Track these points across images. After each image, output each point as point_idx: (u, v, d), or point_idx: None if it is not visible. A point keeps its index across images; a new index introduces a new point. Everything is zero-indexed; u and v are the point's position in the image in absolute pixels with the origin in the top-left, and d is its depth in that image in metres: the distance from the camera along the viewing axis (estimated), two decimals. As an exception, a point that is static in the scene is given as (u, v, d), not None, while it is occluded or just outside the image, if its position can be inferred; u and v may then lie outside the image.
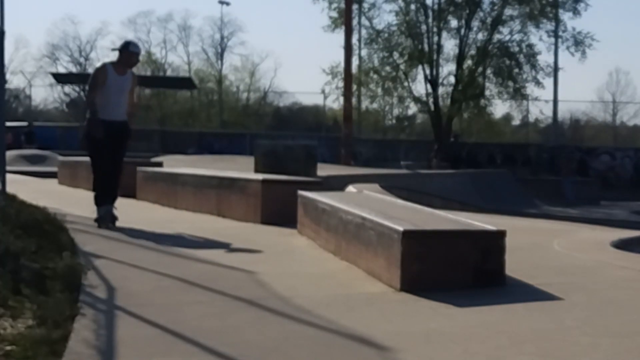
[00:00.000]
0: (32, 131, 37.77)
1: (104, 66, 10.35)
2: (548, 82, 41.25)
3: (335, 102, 43.41)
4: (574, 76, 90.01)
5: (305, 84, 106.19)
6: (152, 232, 9.89)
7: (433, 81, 39.82)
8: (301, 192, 9.94)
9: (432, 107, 40.03)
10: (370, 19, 40.42)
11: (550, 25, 40.00)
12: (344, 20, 34.65)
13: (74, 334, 4.95)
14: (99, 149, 10.14)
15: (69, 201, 14.11)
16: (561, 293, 6.34)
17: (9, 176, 10.08)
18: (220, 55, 66.08)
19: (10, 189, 10.11)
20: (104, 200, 10.27)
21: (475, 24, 39.81)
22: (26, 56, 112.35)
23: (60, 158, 22.54)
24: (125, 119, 10.34)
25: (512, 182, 30.27)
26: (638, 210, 27.61)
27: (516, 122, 52.43)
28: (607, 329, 5.32)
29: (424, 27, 39.84)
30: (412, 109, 43.77)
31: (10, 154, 23.46)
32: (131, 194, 15.12)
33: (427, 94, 40.40)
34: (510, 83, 39.88)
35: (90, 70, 62.11)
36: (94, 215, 10.38)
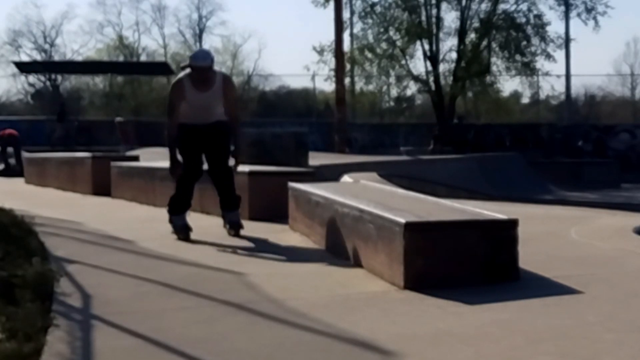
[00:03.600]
0: None
1: (180, 82, 9.30)
2: (559, 55, 41.34)
3: (326, 83, 43.43)
4: (588, 48, 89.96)
5: (293, 66, 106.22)
6: (130, 233, 9.88)
7: (433, 58, 39.83)
8: (292, 184, 9.93)
9: (433, 87, 40.05)
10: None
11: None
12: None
13: (48, 347, 4.94)
14: (187, 156, 9.44)
15: (38, 202, 14.11)
16: (581, 286, 6.35)
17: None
18: (199, 37, 66.06)
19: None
20: (183, 209, 9.69)
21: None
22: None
23: (27, 155, 22.51)
24: (218, 119, 9.39)
25: (523, 166, 30.36)
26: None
27: (526, 99, 52.48)
28: (632, 324, 5.32)
29: (421, -1, 39.83)
30: (411, 89, 43.79)
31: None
32: (105, 192, 15.15)
33: (427, 72, 40.45)
34: (518, 57, 39.90)
35: (57, 57, 62.49)
36: (67, 217, 10.36)
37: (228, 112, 9.41)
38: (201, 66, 9.07)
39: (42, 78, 59.27)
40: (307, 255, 8.20)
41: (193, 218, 11.51)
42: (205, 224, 10.87)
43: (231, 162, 9.60)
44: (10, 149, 27.35)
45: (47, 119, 40.27)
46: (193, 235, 9.41)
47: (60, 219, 11.30)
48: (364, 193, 8.85)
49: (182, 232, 9.42)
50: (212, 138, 9.33)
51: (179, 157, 9.40)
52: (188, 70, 9.28)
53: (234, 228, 9.55)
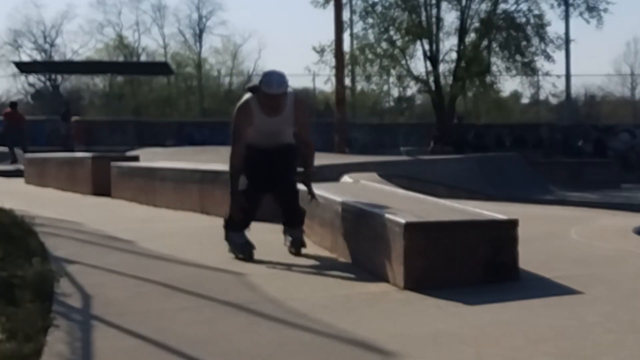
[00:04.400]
0: None
1: (247, 105, 8.19)
2: (559, 55, 41.33)
3: (327, 84, 43.35)
4: (588, 48, 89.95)
5: (293, 66, 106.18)
6: (130, 233, 9.87)
7: (433, 58, 39.82)
8: (292, 184, 9.91)
9: (433, 87, 40.03)
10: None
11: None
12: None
13: (48, 347, 4.94)
14: (252, 174, 8.34)
15: (38, 202, 14.10)
16: (581, 286, 6.35)
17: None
18: (199, 37, 66.06)
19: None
20: (245, 225, 8.50)
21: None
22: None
23: (27, 155, 22.51)
24: (288, 142, 8.38)
25: (523, 166, 30.30)
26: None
27: (526, 100, 52.49)
28: (632, 325, 5.32)
29: (421, -1, 39.81)
30: (412, 89, 43.73)
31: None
32: (105, 192, 15.15)
33: (427, 72, 40.41)
34: (518, 57, 39.88)
35: (57, 57, 62.45)
36: (67, 217, 10.31)
37: (299, 137, 8.43)
38: (276, 94, 8.02)
39: (42, 78, 59.26)
40: (307, 256, 8.19)
41: (193, 218, 11.53)
42: (207, 224, 10.87)
43: (298, 179, 8.60)
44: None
45: (47, 119, 40.26)
46: (180, 239, 9.37)
47: (60, 219, 11.29)
48: (364, 193, 8.84)
49: (244, 250, 8.28)
50: (279, 158, 8.30)
51: (242, 184, 8.39)
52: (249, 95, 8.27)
53: (295, 246, 8.43)
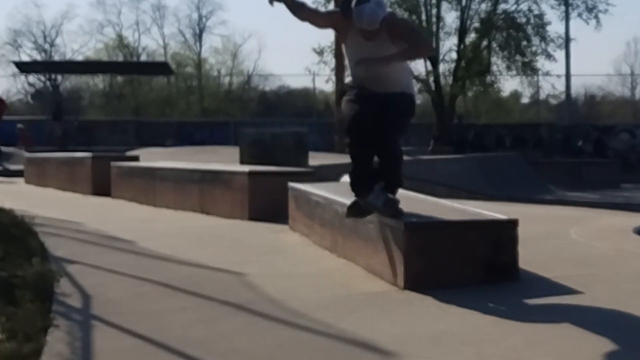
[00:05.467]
0: None
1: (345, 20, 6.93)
2: (560, 54, 41.28)
3: (327, 84, 43.29)
4: (588, 48, 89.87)
5: (293, 66, 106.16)
6: (130, 233, 9.87)
7: (433, 58, 39.77)
8: (292, 184, 9.93)
9: (433, 87, 40.00)
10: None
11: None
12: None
13: (47, 347, 4.95)
14: (354, 123, 6.88)
15: (38, 202, 14.09)
16: (581, 286, 6.35)
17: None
18: (199, 37, 66.00)
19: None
20: (363, 190, 7.02)
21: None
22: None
23: (26, 155, 22.50)
24: (397, 91, 6.95)
25: (523, 166, 30.28)
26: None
27: (525, 99, 52.43)
28: (632, 324, 5.33)
29: (421, -1, 39.81)
30: (412, 88, 43.61)
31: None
32: (105, 192, 15.15)
33: (427, 72, 40.38)
34: (519, 57, 39.85)
35: (57, 57, 62.37)
36: (67, 217, 10.28)
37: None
38: (359, 26, 6.75)
39: (42, 78, 59.18)
40: (307, 256, 8.20)
41: (193, 218, 11.52)
42: (207, 224, 10.88)
43: None
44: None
45: (47, 119, 40.28)
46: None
47: (60, 219, 11.28)
48: (364, 193, 8.82)
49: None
50: (378, 108, 6.84)
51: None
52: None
53: (385, 208, 6.97)
